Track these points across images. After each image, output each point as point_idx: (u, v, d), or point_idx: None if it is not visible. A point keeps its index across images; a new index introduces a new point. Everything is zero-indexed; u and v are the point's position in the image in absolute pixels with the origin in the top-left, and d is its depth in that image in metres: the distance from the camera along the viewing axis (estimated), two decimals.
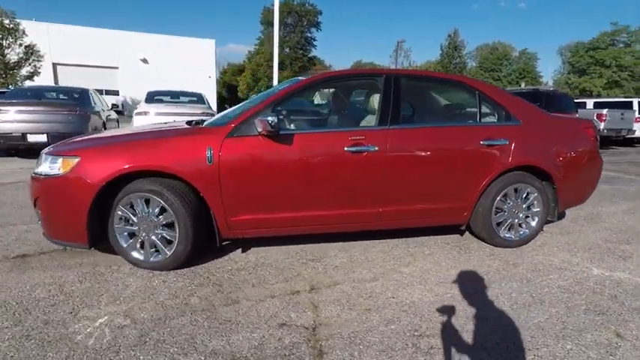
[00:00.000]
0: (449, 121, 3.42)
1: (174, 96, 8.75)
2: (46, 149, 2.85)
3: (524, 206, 3.29)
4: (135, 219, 2.63)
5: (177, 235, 2.60)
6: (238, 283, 2.58)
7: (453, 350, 1.94)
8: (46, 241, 2.80)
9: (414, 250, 3.23)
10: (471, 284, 2.66)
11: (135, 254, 2.70)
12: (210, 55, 28.42)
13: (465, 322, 2.17)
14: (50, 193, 2.56)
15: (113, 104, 9.26)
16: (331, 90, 3.63)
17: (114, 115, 9.52)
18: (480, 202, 3.16)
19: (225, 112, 3.73)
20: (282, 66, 37.34)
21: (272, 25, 16.17)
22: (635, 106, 14.13)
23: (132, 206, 2.65)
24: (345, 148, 2.78)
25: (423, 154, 2.95)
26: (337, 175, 2.81)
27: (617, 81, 39.14)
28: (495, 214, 3.22)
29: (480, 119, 3.22)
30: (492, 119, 3.28)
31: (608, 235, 3.75)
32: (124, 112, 9.79)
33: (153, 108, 7.68)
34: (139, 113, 7.60)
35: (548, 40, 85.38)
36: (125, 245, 2.68)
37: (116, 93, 26.68)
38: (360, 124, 3.10)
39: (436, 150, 2.99)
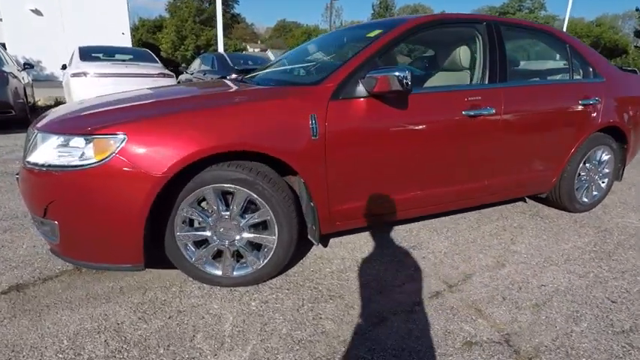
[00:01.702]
0: (546, 78, 3.06)
1: (114, 53, 7.08)
2: (43, 122, 1.86)
3: (599, 169, 3.15)
4: (209, 221, 1.86)
5: (275, 237, 1.90)
6: (358, 290, 2.00)
7: None
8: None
9: (500, 224, 2.91)
10: (596, 256, 2.43)
11: (209, 269, 1.95)
12: (122, 7, 24.42)
13: None
14: (77, 194, 1.65)
15: (25, 63, 7.20)
16: (420, 40, 2.98)
17: (27, 78, 7.50)
18: (567, 168, 2.92)
19: (266, 71, 2.94)
20: (208, 22, 33.92)
21: None
22: None
23: (200, 204, 1.88)
24: (463, 112, 2.27)
25: (531, 116, 2.55)
26: (456, 144, 2.29)
27: None
28: (577, 179, 3.03)
29: (572, 76, 2.91)
30: (580, 76, 2.98)
31: None
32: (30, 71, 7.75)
33: (93, 68, 6.08)
34: (77, 74, 5.97)
35: (464, 4, 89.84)
36: (193, 258, 1.92)
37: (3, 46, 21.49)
38: (464, 82, 2.55)
39: (542, 111, 2.60)
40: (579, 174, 3.02)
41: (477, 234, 2.73)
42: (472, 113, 2.27)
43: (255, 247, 1.99)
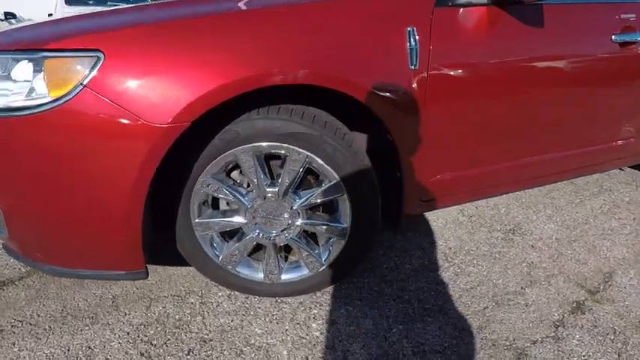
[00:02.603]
0: None
1: None
2: None
3: None
4: (244, 201, 1.19)
5: (347, 225, 1.22)
6: (462, 299, 1.34)
7: None
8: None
9: (607, 198, 2.19)
10: None
11: (245, 271, 1.29)
12: None
13: None
14: (23, 158, 0.96)
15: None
16: None
17: None
18: None
19: None
20: None
21: None
22: None
23: (230, 174, 1.21)
24: (613, 37, 1.55)
25: None
26: (600, 83, 1.56)
27: None
28: None
29: None
30: None
31: None
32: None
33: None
34: None
35: None
36: (220, 256, 1.26)
37: None
38: None
39: None
40: None
41: (584, 212, 2.07)
42: (621, 39, 1.55)
43: (313, 238, 1.35)
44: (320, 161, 1.13)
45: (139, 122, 0.92)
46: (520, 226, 1.89)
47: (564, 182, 2.46)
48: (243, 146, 1.10)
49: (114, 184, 0.97)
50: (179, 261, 1.32)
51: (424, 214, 1.94)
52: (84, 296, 1.37)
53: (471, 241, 1.74)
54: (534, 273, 1.52)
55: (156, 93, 0.93)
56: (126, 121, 0.92)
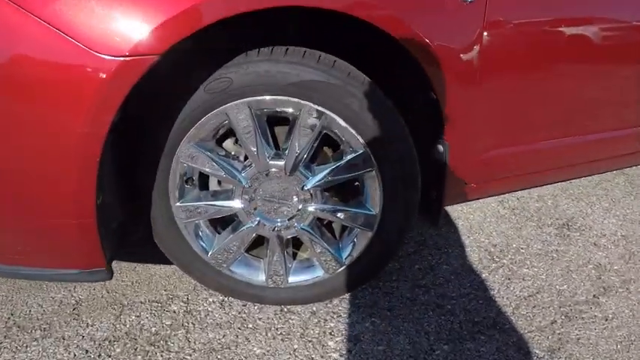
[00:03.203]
0: None
1: None
2: None
3: None
4: (240, 178, 0.89)
5: (377, 212, 0.91)
6: (523, 313, 1.03)
7: None
8: None
9: None
10: None
11: (241, 271, 0.99)
12: None
13: None
14: None
15: None
16: None
17: None
18: None
19: None
20: None
21: None
22: None
23: (222, 142, 0.93)
24: None
25: None
26: None
27: None
28: None
29: None
30: None
31: None
32: None
33: None
34: None
35: None
36: (210, 252, 0.98)
37: None
38: None
39: None
40: None
41: None
42: None
43: (329, 230, 1.06)
44: (342, 123, 0.83)
45: (84, 52, 0.64)
46: (574, 220, 1.58)
47: (613, 173, 2.13)
48: (238, 101, 0.81)
49: (53, 146, 0.69)
50: (158, 254, 1.05)
51: (458, 205, 1.65)
52: (39, 300, 1.09)
53: (519, 237, 1.44)
54: (606, 277, 1.21)
55: (107, 10, 0.65)
56: (66, 51, 0.64)
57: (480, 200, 1.77)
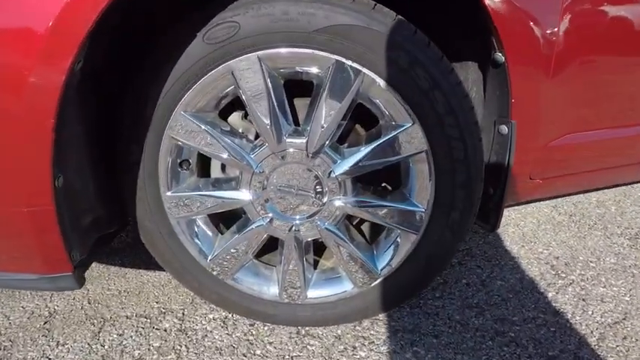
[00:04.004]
0: None
1: None
2: None
3: None
4: (249, 160, 0.68)
5: (423, 209, 0.69)
6: (623, 348, 0.77)
7: None
8: None
9: None
10: None
11: (249, 282, 0.77)
12: None
13: None
14: None
15: None
16: None
17: None
18: None
19: None
20: None
21: None
22: None
23: (226, 116, 0.73)
24: None
25: None
26: None
27: None
28: None
29: None
30: None
31: None
32: None
33: None
34: None
35: None
36: (210, 255, 0.77)
37: None
38: None
39: None
40: None
41: None
42: None
43: (359, 231, 0.85)
44: (384, 85, 0.63)
45: None
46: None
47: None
48: (248, 55, 0.62)
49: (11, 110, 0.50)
50: (149, 260, 0.86)
51: (507, 209, 1.41)
52: (7, 310, 0.90)
53: (585, 248, 1.19)
54: None
55: None
56: None
57: (531, 204, 1.54)
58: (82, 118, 0.60)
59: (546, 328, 0.86)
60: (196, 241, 0.77)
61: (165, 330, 0.84)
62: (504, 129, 0.77)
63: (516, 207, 1.45)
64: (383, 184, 0.85)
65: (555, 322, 0.88)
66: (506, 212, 1.38)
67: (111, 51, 0.63)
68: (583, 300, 0.95)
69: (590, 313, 0.91)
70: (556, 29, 0.74)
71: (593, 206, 1.48)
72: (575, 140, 0.91)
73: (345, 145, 0.73)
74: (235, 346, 0.80)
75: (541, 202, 1.50)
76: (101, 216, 0.73)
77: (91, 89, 0.60)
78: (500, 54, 0.70)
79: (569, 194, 1.26)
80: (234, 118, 0.75)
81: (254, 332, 0.83)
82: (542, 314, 0.90)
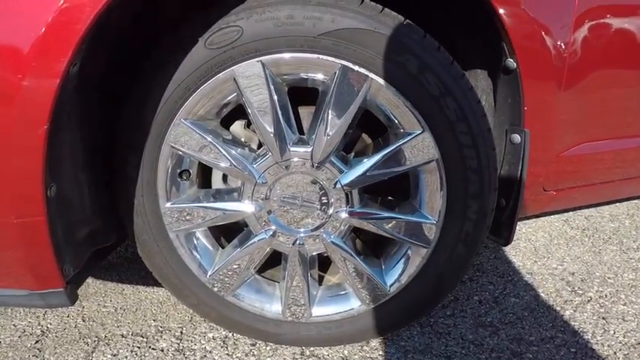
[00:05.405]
0: None
1: None
2: None
3: None
4: (252, 170, 0.64)
5: (435, 220, 0.66)
6: None
7: None
8: None
9: None
10: None
11: (251, 299, 0.73)
12: None
13: None
14: None
15: None
16: None
17: None
18: None
19: None
20: None
21: None
22: None
23: (227, 125, 0.71)
24: None
25: None
26: None
27: None
28: None
29: None
30: None
31: None
32: None
33: None
34: None
35: None
36: (210, 270, 0.72)
37: None
38: None
39: None
40: None
41: None
42: None
43: (368, 245, 0.82)
44: (393, 92, 0.60)
45: None
46: None
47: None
48: (250, 60, 0.60)
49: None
50: (147, 276, 0.82)
51: (518, 223, 1.37)
52: None
53: (601, 263, 1.14)
54: None
55: None
56: None
57: (542, 218, 1.50)
58: (78, 124, 0.57)
59: (566, 349, 0.81)
60: (196, 255, 0.74)
61: (162, 350, 0.80)
62: (517, 138, 0.74)
63: (527, 221, 1.41)
64: (391, 196, 0.82)
65: (575, 343, 0.83)
66: (524, 227, 1.34)
67: (116, 54, 0.61)
68: (603, 318, 0.90)
69: (611, 332, 0.86)
70: (570, 34, 0.72)
71: (607, 220, 1.44)
72: (591, 150, 0.88)
73: (352, 154, 0.71)
74: None
75: (552, 216, 1.47)
76: (97, 228, 0.70)
77: (90, 94, 0.58)
78: (511, 60, 0.68)
79: (582, 207, 1.22)
80: (237, 126, 0.73)
81: (255, 352, 0.79)
82: (560, 333, 0.85)
